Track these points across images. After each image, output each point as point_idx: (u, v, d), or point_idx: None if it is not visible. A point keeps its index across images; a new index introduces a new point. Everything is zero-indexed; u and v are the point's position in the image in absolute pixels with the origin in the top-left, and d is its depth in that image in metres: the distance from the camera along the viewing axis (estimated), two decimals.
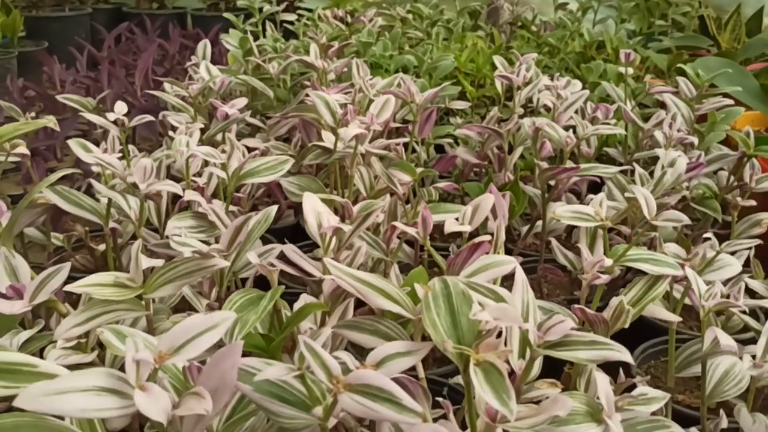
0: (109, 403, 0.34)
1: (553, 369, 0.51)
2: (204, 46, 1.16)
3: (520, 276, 0.44)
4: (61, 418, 0.43)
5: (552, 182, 0.85)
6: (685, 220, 0.52)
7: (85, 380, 0.34)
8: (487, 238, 0.47)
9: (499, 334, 0.41)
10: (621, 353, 0.38)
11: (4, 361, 0.35)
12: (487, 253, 0.49)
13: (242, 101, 0.95)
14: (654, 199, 0.66)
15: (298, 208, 1.05)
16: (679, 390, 0.74)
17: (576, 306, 0.50)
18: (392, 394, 0.33)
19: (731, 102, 0.92)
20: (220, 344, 0.39)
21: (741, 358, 0.53)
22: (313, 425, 0.37)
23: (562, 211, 0.52)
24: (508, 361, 0.43)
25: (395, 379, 0.41)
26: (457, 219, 0.51)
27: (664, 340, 0.75)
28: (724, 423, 0.60)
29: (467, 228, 0.49)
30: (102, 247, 0.88)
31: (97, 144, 0.76)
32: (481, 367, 0.35)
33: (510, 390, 0.33)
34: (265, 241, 0.87)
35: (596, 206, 0.53)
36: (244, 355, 0.41)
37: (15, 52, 2.05)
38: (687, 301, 0.63)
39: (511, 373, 0.45)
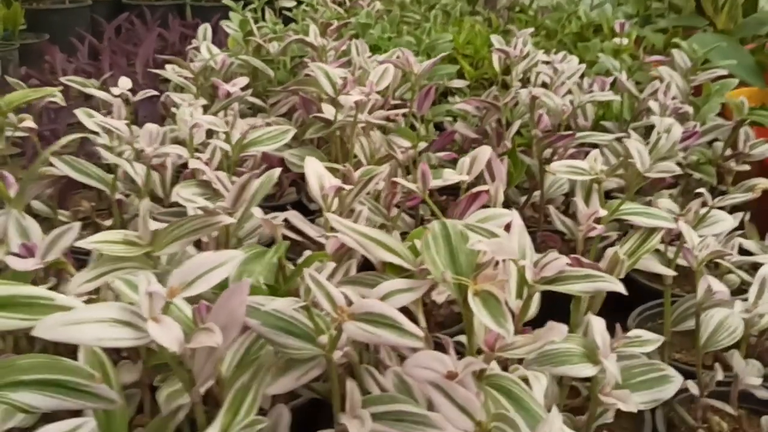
0: (123, 334, 0.36)
1: None
2: (205, 29, 1.18)
3: (517, 222, 0.45)
4: (75, 356, 0.45)
5: (549, 153, 0.87)
6: (677, 170, 0.53)
7: (101, 312, 0.36)
8: (485, 188, 0.49)
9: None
10: (614, 284, 0.40)
11: (22, 294, 0.36)
12: (486, 206, 0.51)
13: (244, 80, 0.97)
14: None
15: (299, 186, 1.07)
16: (676, 349, 0.75)
17: (572, 256, 0.51)
18: (394, 320, 0.35)
19: (725, 73, 0.94)
20: None
21: None
22: (318, 356, 0.39)
23: (558, 166, 0.53)
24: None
25: None
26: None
27: (660, 303, 0.76)
28: (720, 375, 0.61)
29: (465, 177, 0.51)
30: (108, 222, 0.90)
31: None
32: (479, 296, 0.36)
33: (507, 314, 0.34)
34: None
35: (591, 161, 0.55)
36: None
37: (16, 44, 2.07)
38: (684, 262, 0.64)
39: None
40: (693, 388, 0.59)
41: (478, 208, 0.51)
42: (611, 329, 0.63)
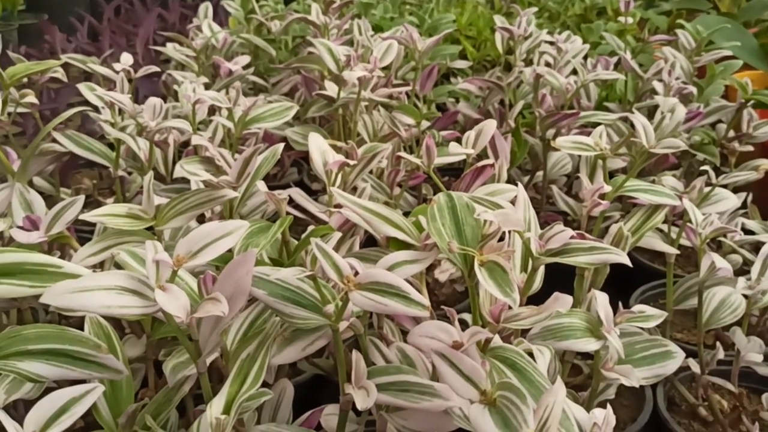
0: (131, 302, 0.36)
1: None
2: (206, 7, 1.17)
3: (522, 195, 0.45)
4: (81, 327, 0.45)
5: (553, 133, 0.86)
6: (682, 145, 0.53)
7: (108, 280, 0.36)
8: (491, 161, 0.49)
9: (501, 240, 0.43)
10: (620, 256, 0.40)
11: (30, 261, 0.36)
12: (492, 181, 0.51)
13: (245, 59, 0.96)
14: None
15: (301, 166, 1.06)
16: (677, 329, 0.76)
17: (576, 232, 0.51)
18: (400, 289, 0.35)
19: (729, 53, 0.93)
20: None
21: None
22: (323, 327, 0.39)
23: (563, 141, 0.53)
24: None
25: None
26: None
27: (661, 283, 0.77)
28: (721, 354, 0.62)
29: (470, 151, 0.51)
30: (110, 200, 0.90)
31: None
32: (485, 266, 0.36)
33: (513, 283, 0.34)
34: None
35: (596, 137, 0.55)
36: None
37: (15, 24, 2.05)
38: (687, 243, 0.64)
39: None
40: (694, 366, 0.60)
41: (483, 183, 0.51)
42: (614, 308, 0.64)
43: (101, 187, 0.95)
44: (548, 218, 0.84)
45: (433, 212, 0.41)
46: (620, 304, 0.64)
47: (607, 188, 0.53)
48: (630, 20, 0.95)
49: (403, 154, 0.56)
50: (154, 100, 0.60)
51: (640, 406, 0.62)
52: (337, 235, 0.58)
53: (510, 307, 0.37)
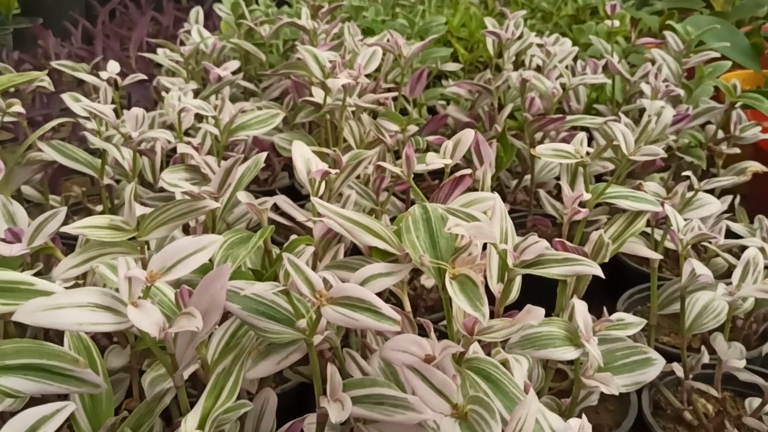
0: (104, 318, 0.36)
1: None
2: (196, 12, 1.17)
3: (499, 205, 0.45)
4: (61, 342, 0.45)
5: (540, 136, 0.87)
6: (662, 153, 0.53)
7: (81, 297, 0.36)
8: (468, 171, 0.49)
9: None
10: (592, 268, 0.40)
11: (3, 279, 0.37)
12: (474, 190, 0.51)
13: (235, 64, 0.96)
14: (638, 145, 0.67)
15: (292, 170, 1.07)
16: (665, 332, 0.76)
17: (556, 240, 0.51)
18: (372, 304, 0.35)
19: (717, 55, 0.93)
20: None
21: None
22: (298, 340, 0.39)
23: (544, 149, 0.53)
24: (487, 285, 0.45)
25: None
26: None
27: (649, 286, 0.77)
28: (706, 358, 0.62)
29: (448, 161, 0.51)
30: (99, 208, 0.90)
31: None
32: (456, 279, 0.36)
33: (483, 298, 0.35)
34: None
35: (577, 145, 0.55)
36: None
37: (10, 29, 2.06)
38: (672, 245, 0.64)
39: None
40: (678, 370, 0.60)
41: (462, 192, 0.51)
42: (601, 312, 0.64)
43: (91, 194, 0.95)
44: (536, 221, 0.84)
45: (407, 224, 0.41)
46: (605, 309, 0.64)
47: (587, 196, 0.53)
48: (617, 23, 0.95)
49: (383, 164, 0.56)
50: (136, 111, 0.60)
51: (625, 411, 0.62)
52: (321, 244, 0.59)
53: None
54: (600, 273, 0.41)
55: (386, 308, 0.35)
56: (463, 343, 0.39)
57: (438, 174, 1.02)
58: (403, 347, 0.36)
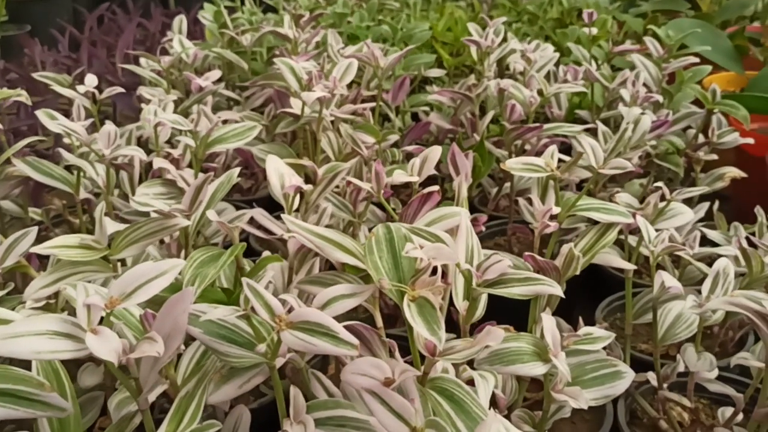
0: (63, 346, 0.36)
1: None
2: (180, 21, 1.17)
3: (465, 223, 0.45)
4: (28, 367, 0.45)
5: (521, 143, 0.87)
6: (629, 166, 0.53)
7: (39, 325, 0.36)
8: (436, 188, 0.49)
9: (444, 275, 0.43)
10: (552, 287, 0.40)
11: None
12: (439, 205, 0.51)
13: (216, 73, 0.96)
14: (615, 154, 0.67)
15: None
16: (643, 340, 0.76)
17: (527, 254, 0.52)
18: (330, 328, 0.35)
19: (697, 60, 0.93)
20: None
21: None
22: (260, 364, 0.39)
23: (513, 163, 0.53)
24: (453, 303, 0.45)
25: (351, 327, 0.43)
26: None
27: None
28: (681, 367, 0.62)
29: (415, 178, 0.51)
30: (83, 219, 0.90)
31: None
32: (415, 302, 0.37)
33: (440, 321, 0.35)
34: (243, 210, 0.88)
35: (547, 158, 0.55)
36: None
37: None
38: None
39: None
40: (653, 380, 0.60)
41: (432, 207, 0.51)
42: (586, 321, 0.64)
43: (72, 207, 0.95)
44: (516, 229, 0.84)
45: (370, 245, 0.41)
46: (581, 320, 0.65)
47: (556, 210, 0.53)
48: (594, 30, 0.95)
49: (351, 179, 0.57)
50: (108, 128, 0.60)
51: (601, 421, 0.62)
52: (296, 258, 0.59)
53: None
54: (560, 293, 0.41)
55: (344, 333, 0.35)
56: (425, 364, 0.39)
57: (423, 181, 1.02)
58: (363, 370, 0.36)
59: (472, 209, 0.98)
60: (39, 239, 0.61)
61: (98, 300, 0.36)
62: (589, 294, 0.83)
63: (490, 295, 0.53)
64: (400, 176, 0.51)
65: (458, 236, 0.44)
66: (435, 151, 0.52)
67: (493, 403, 0.56)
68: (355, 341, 0.35)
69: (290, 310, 0.37)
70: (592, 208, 0.55)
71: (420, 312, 0.36)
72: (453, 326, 0.51)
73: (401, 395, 0.37)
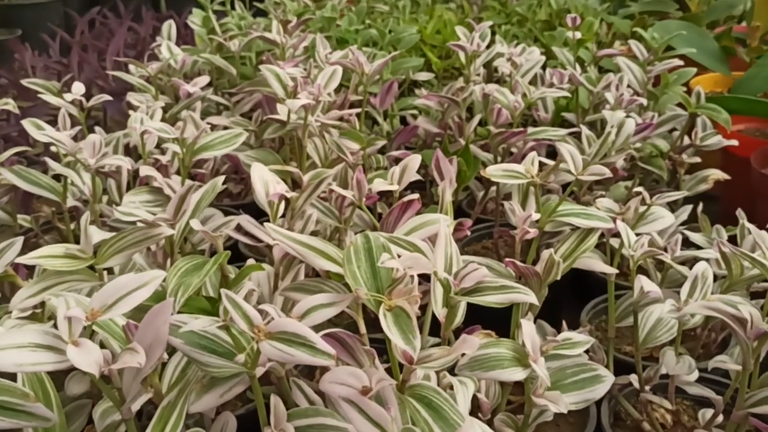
0: (44, 358, 0.36)
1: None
2: (169, 26, 1.17)
3: (443, 231, 0.46)
4: (14, 378, 0.46)
5: (507, 147, 0.87)
6: (607, 173, 0.54)
7: (21, 338, 0.36)
8: (416, 196, 0.50)
9: (424, 289, 0.43)
10: (527, 295, 0.41)
11: None
12: (420, 213, 0.52)
13: (204, 79, 0.97)
14: (598, 158, 0.68)
15: None
16: (627, 342, 0.77)
17: (507, 259, 0.52)
18: (307, 339, 0.36)
19: (681, 63, 0.94)
20: None
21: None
22: (240, 373, 0.39)
23: (493, 170, 0.54)
24: (432, 312, 0.46)
25: (333, 334, 0.43)
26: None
27: (615, 296, 0.78)
28: (664, 369, 0.63)
29: (395, 187, 0.51)
30: (71, 227, 0.90)
31: None
32: (392, 311, 0.37)
33: (415, 330, 0.35)
34: (231, 216, 0.89)
35: (527, 164, 0.55)
36: None
37: None
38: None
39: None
40: (635, 382, 0.61)
41: (412, 215, 0.51)
42: (570, 320, 0.64)
43: (61, 214, 0.95)
44: (502, 233, 0.85)
45: (349, 254, 0.42)
46: (564, 323, 0.65)
47: (536, 216, 0.54)
48: (579, 34, 0.95)
49: (334, 187, 0.57)
50: (93, 137, 0.60)
51: (585, 423, 0.63)
52: (282, 265, 0.60)
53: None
54: (535, 301, 0.42)
55: (321, 343, 0.36)
56: (404, 372, 0.40)
57: (409, 186, 1.03)
58: (341, 379, 0.37)
59: (460, 212, 0.98)
60: (29, 246, 0.61)
61: (79, 312, 0.37)
62: (576, 296, 0.83)
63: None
64: (379, 185, 0.52)
65: (437, 244, 0.45)
66: (414, 160, 0.52)
67: (477, 407, 0.57)
68: (332, 351, 0.35)
69: (269, 321, 0.38)
70: (572, 213, 0.56)
71: (396, 322, 0.36)
72: (438, 331, 0.51)
73: (380, 403, 0.38)
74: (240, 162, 0.97)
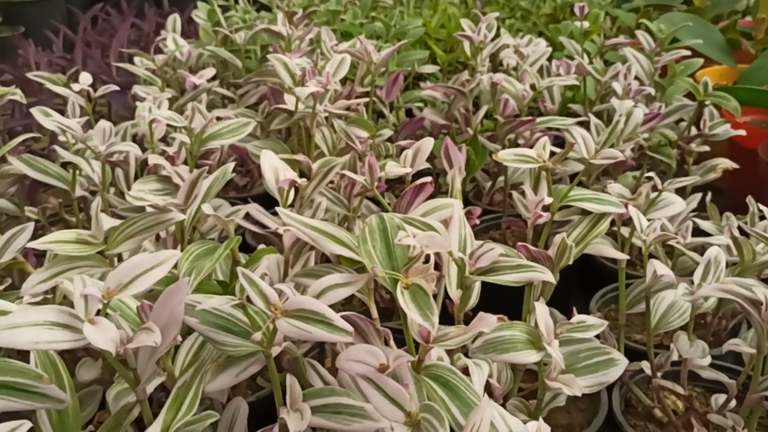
0: (60, 336, 0.36)
1: None
2: (174, 19, 1.17)
3: (457, 213, 0.46)
4: (27, 360, 0.46)
5: (514, 137, 0.87)
6: (620, 156, 0.54)
7: (37, 315, 0.36)
8: (428, 179, 0.49)
9: (438, 267, 0.43)
10: (544, 273, 0.41)
11: None
12: (432, 197, 0.51)
13: (210, 71, 0.97)
14: (608, 146, 0.68)
15: None
16: (637, 330, 0.76)
17: (520, 244, 0.52)
18: (325, 316, 0.36)
19: (689, 53, 0.94)
20: None
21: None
22: (256, 352, 0.39)
23: (505, 154, 0.54)
24: (447, 291, 0.46)
25: (346, 317, 0.43)
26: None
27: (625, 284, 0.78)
28: (675, 355, 0.63)
29: (408, 170, 0.51)
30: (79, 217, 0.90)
31: None
32: (408, 289, 0.37)
33: (433, 307, 0.35)
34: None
35: (539, 149, 0.55)
36: None
37: None
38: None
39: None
40: (647, 368, 0.61)
41: (425, 199, 0.51)
42: (582, 311, 0.64)
43: (68, 205, 0.95)
44: (510, 222, 0.85)
45: (364, 235, 0.41)
46: (574, 309, 0.65)
47: (549, 200, 0.54)
48: (586, 24, 0.95)
49: (346, 172, 0.57)
50: (103, 124, 0.60)
51: (596, 410, 0.63)
52: (292, 252, 0.59)
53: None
54: (552, 279, 0.41)
55: (338, 320, 0.35)
56: (420, 351, 0.39)
57: (418, 175, 1.03)
58: (358, 357, 0.37)
59: (467, 204, 0.98)
60: (35, 238, 0.61)
61: (95, 291, 0.36)
62: (583, 286, 0.83)
63: (484, 288, 0.54)
64: (393, 168, 0.52)
65: (451, 226, 0.45)
66: (427, 143, 0.52)
67: (489, 392, 0.57)
68: (350, 328, 0.35)
69: (285, 300, 0.38)
70: (584, 198, 0.56)
71: (413, 299, 0.36)
72: (448, 318, 0.51)
73: (396, 382, 0.37)
74: (246, 154, 0.97)
